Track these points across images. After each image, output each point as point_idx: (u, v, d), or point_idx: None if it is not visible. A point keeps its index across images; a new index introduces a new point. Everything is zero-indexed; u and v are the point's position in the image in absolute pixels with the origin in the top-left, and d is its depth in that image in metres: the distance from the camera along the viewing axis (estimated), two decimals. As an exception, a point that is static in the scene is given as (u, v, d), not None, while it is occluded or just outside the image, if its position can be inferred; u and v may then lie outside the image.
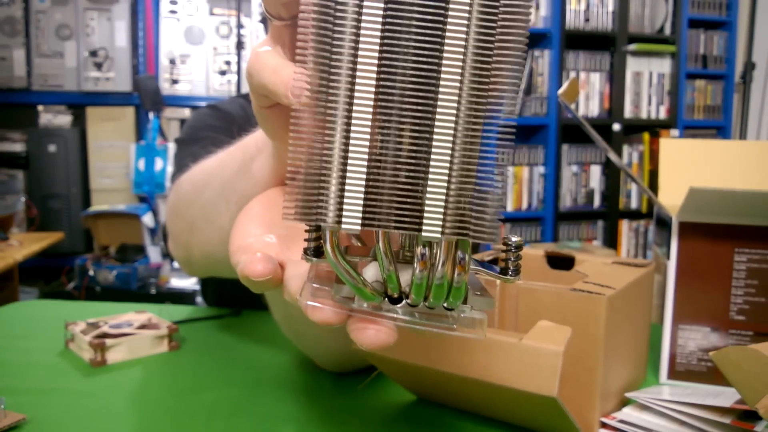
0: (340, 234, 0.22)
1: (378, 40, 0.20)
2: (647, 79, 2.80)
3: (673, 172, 0.65)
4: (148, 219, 2.31)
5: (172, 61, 2.57)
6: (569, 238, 2.81)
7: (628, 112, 2.79)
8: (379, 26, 0.20)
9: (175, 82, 2.58)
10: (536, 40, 2.74)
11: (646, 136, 2.81)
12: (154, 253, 2.35)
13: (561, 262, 0.57)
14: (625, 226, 2.85)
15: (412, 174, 0.21)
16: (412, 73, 0.20)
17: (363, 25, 0.20)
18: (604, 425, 0.44)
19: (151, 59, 2.56)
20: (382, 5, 0.20)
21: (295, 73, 0.21)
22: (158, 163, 2.46)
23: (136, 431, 0.46)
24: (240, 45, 2.57)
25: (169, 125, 2.60)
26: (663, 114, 2.83)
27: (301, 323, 0.50)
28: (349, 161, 0.21)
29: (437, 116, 0.20)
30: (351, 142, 0.21)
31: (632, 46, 2.72)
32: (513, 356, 0.39)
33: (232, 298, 0.80)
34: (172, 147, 2.43)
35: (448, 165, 0.21)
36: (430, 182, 0.21)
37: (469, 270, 0.22)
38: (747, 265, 0.53)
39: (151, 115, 2.47)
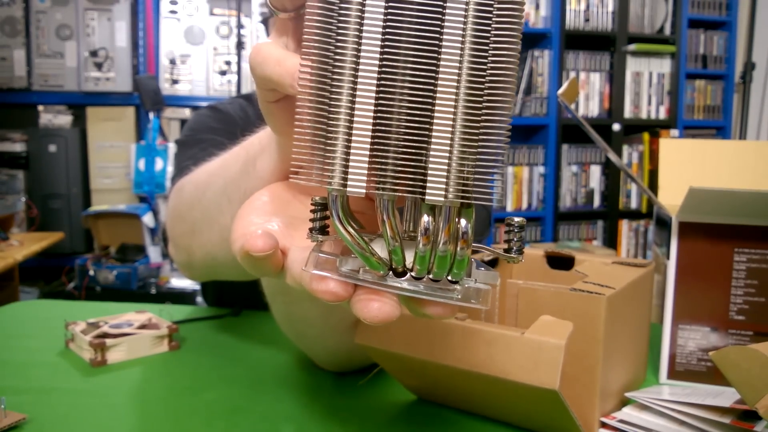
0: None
1: (382, 10, 0.21)
2: (647, 79, 2.80)
3: (672, 172, 0.65)
4: (148, 219, 2.31)
5: (173, 61, 2.57)
6: (569, 238, 2.81)
7: (627, 112, 2.79)
8: (382, 13, 0.21)
9: (175, 82, 2.58)
10: (536, 40, 2.74)
11: (645, 136, 2.81)
12: (154, 253, 2.35)
13: (561, 262, 0.57)
14: (624, 226, 2.85)
15: (415, 141, 0.21)
16: (415, 41, 0.21)
17: (366, 11, 0.21)
18: (604, 425, 0.44)
19: (152, 59, 2.56)
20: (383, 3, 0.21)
21: (304, 45, 0.22)
22: (158, 163, 2.46)
23: (137, 431, 0.46)
24: (240, 45, 2.57)
25: (169, 125, 2.60)
26: (663, 114, 2.83)
27: (302, 323, 0.50)
28: (354, 128, 0.21)
29: (439, 85, 0.21)
30: (356, 109, 0.21)
31: (632, 46, 2.72)
32: (515, 350, 0.39)
33: (232, 298, 0.80)
34: (172, 147, 2.43)
35: (450, 132, 0.21)
36: (432, 148, 0.21)
37: (471, 243, 0.23)
38: (747, 264, 0.53)
39: (151, 115, 2.47)
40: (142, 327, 0.64)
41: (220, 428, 0.46)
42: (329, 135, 0.21)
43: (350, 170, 0.21)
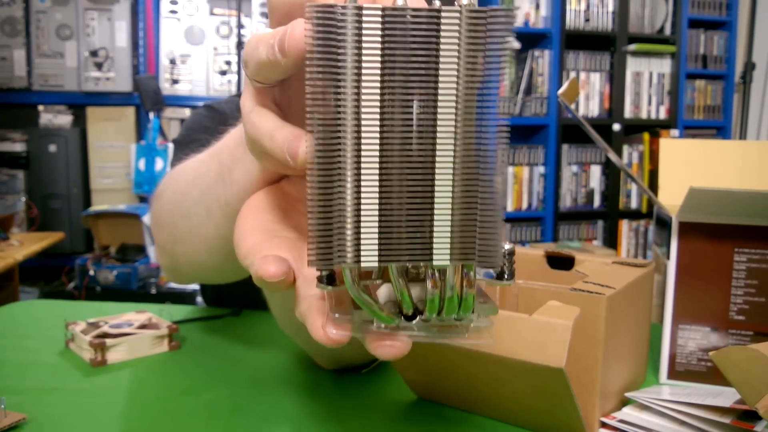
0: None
1: (378, 106, 0.22)
2: (647, 79, 2.80)
3: (672, 172, 0.65)
4: (148, 219, 2.31)
5: (173, 61, 2.57)
6: (569, 238, 2.81)
7: (628, 112, 2.79)
8: (378, 88, 0.22)
9: (175, 82, 2.58)
10: (536, 40, 2.74)
11: (646, 136, 2.81)
12: (154, 253, 2.35)
13: (561, 262, 0.57)
14: (625, 226, 2.85)
15: (419, 212, 0.23)
16: (412, 125, 0.23)
17: (363, 91, 0.22)
18: (604, 425, 0.45)
19: (152, 59, 2.56)
20: (379, 66, 0.22)
21: (307, 138, 0.23)
22: (158, 163, 2.46)
23: (136, 431, 0.46)
24: (240, 45, 2.57)
25: (169, 125, 2.60)
26: (663, 114, 2.83)
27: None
28: (362, 207, 0.23)
29: (437, 160, 0.23)
30: (362, 191, 0.23)
31: (632, 46, 2.72)
32: (523, 330, 0.39)
33: (232, 298, 0.80)
34: (172, 147, 2.43)
35: (450, 200, 0.23)
36: (436, 217, 0.23)
37: (474, 284, 0.25)
38: (747, 265, 0.53)
39: (151, 115, 2.47)
40: (142, 327, 0.64)
41: (220, 428, 0.46)
42: (339, 218, 0.23)
43: (362, 246, 0.23)
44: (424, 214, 0.23)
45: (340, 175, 0.23)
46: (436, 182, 0.23)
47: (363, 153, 0.23)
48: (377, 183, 0.23)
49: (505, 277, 0.27)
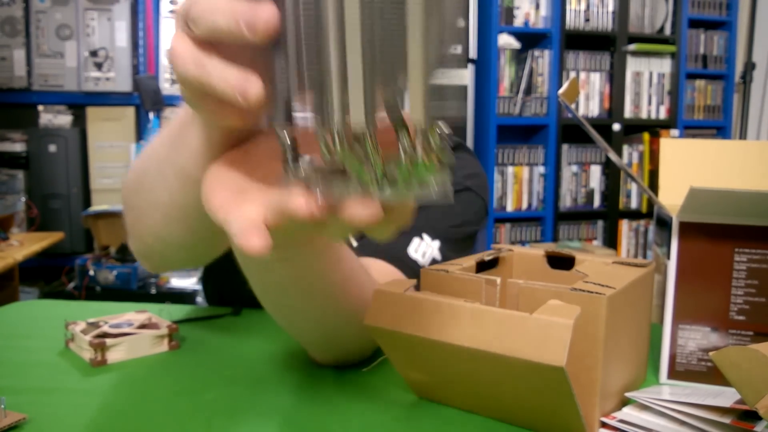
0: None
1: None
2: (647, 79, 2.80)
3: (673, 172, 0.65)
4: (148, 219, 2.31)
5: (173, 61, 2.57)
6: (569, 238, 2.82)
7: (628, 112, 2.79)
8: None
9: (175, 82, 2.58)
10: (536, 40, 2.74)
11: (646, 136, 2.81)
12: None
13: (561, 262, 0.57)
14: (625, 226, 2.85)
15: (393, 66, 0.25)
16: None
17: None
18: (604, 425, 0.45)
19: (152, 59, 2.56)
20: None
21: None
22: (158, 163, 2.46)
23: (137, 430, 0.46)
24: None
25: (169, 125, 2.60)
26: (663, 114, 2.83)
27: (276, 290, 0.48)
28: (348, 71, 0.25)
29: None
30: (338, 54, 0.24)
31: (632, 46, 2.72)
32: (524, 329, 0.40)
33: (232, 297, 0.80)
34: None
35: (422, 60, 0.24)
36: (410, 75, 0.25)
37: (436, 152, 0.26)
38: (747, 265, 0.53)
39: (151, 115, 2.47)
40: (142, 327, 0.64)
41: (221, 428, 0.46)
42: (324, 83, 0.25)
43: (351, 107, 0.25)
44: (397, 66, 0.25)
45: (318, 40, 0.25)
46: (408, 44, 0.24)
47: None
48: (343, 48, 0.25)
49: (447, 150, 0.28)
